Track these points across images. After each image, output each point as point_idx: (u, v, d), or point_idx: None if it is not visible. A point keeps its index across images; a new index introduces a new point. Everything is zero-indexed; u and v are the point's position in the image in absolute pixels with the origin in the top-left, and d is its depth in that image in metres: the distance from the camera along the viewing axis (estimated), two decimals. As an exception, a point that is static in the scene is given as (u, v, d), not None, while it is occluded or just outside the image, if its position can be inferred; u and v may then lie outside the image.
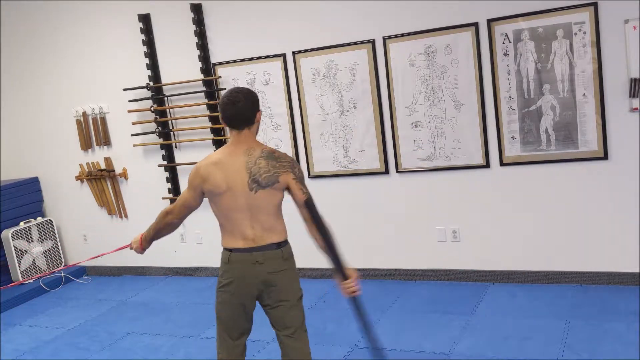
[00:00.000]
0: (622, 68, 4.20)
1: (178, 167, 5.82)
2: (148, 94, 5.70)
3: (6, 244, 6.09)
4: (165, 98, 5.68)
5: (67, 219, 6.57)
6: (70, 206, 6.49)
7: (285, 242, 2.95)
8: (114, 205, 6.24)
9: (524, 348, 3.75)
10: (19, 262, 6.14)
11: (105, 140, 6.09)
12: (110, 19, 5.82)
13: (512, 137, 4.58)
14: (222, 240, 2.96)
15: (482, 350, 3.79)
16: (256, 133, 2.96)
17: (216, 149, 5.44)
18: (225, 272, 2.92)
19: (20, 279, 6.04)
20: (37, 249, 6.30)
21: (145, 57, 5.65)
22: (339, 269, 2.81)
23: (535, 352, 3.67)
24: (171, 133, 5.74)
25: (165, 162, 5.83)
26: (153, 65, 5.68)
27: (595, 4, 4.18)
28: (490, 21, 4.48)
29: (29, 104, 6.42)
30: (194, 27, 5.40)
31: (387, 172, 5.04)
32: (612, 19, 4.17)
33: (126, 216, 6.22)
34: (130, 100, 5.78)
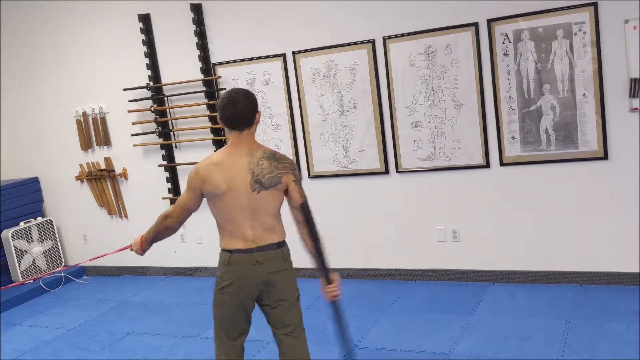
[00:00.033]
0: (622, 68, 4.20)
1: (178, 167, 5.82)
2: (148, 94, 5.70)
3: (6, 244, 6.09)
4: (165, 98, 5.67)
5: (67, 219, 6.57)
6: (70, 206, 6.48)
7: (284, 242, 2.97)
8: (114, 205, 6.24)
9: (524, 348, 3.75)
10: (19, 262, 6.14)
11: (105, 140, 6.09)
12: (110, 19, 5.82)
13: (512, 137, 4.58)
14: (220, 241, 2.95)
15: (482, 350, 3.79)
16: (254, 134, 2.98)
17: (216, 149, 5.44)
18: (225, 274, 2.91)
19: (20, 279, 6.04)
20: (37, 249, 6.30)
21: (145, 57, 5.65)
22: (324, 273, 2.91)
23: (535, 352, 3.67)
24: (171, 133, 5.74)
25: (165, 162, 5.83)
26: (153, 65, 5.68)
27: (595, 4, 4.18)
28: (490, 21, 4.48)
29: (29, 104, 6.42)
30: (194, 27, 5.40)
31: (387, 172, 5.03)
32: (612, 19, 4.17)
33: (126, 216, 6.21)
34: (130, 100, 5.78)
